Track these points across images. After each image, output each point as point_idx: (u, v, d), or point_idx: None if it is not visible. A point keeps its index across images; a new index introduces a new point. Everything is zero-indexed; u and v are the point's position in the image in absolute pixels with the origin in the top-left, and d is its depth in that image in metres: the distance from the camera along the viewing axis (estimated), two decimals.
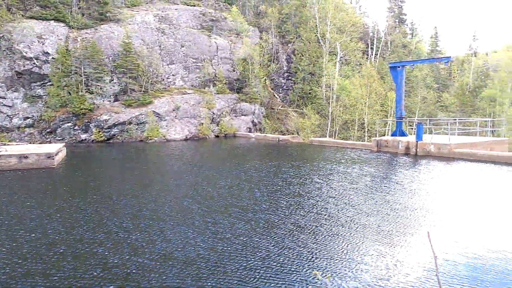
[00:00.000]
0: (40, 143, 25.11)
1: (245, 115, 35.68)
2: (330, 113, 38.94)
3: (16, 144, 20.87)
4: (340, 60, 44.80)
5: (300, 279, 5.41)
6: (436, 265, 2.40)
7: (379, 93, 38.66)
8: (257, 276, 5.50)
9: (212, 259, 6.13)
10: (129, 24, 32.66)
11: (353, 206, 9.28)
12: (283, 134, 34.61)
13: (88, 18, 31.81)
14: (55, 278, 5.51)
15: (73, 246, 6.76)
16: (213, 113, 33.44)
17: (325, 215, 8.55)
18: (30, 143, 25.07)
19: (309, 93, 42.45)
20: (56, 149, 16.82)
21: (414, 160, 16.90)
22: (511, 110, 40.74)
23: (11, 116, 26.75)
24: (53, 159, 15.91)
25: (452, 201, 9.85)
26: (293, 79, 43.85)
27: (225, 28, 39.55)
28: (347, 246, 6.63)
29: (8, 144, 20.16)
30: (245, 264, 5.93)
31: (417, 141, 18.63)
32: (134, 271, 5.73)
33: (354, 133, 37.72)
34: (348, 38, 46.07)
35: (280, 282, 5.30)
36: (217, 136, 32.79)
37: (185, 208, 9.33)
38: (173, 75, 34.17)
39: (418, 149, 18.50)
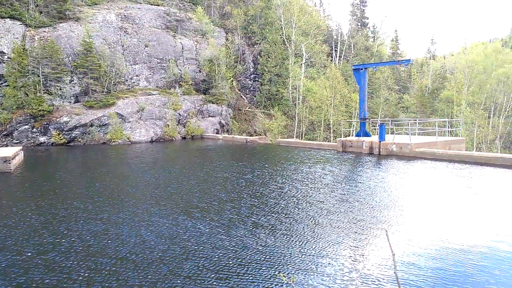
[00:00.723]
0: None
1: (212, 116, 35.49)
2: (296, 114, 39.45)
3: None
4: (306, 62, 45.48)
5: (262, 280, 5.41)
6: (394, 262, 2.48)
7: (343, 94, 39.57)
8: (217, 278, 5.47)
9: (171, 261, 6.04)
10: (90, 23, 31.71)
11: (314, 205, 9.43)
12: (250, 135, 34.71)
13: (46, 17, 30.60)
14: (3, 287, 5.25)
15: (24, 252, 6.48)
16: (180, 115, 33.03)
17: (285, 214, 8.64)
18: None
19: (276, 95, 42.80)
20: (13, 153, 16.05)
21: (377, 159, 17.38)
22: (468, 111, 42.81)
23: None
24: (10, 163, 15.19)
25: (410, 198, 10.21)
26: (259, 80, 44.06)
27: (190, 29, 39.20)
28: (306, 245, 6.71)
29: None
30: (205, 264, 5.88)
31: (380, 141, 19.15)
32: (90, 275, 5.56)
33: (320, 134, 38.37)
34: (312, 40, 46.90)
35: (242, 283, 5.29)
36: (184, 138, 32.43)
37: (144, 210, 9.15)
38: (137, 75, 33.46)
39: (381, 149, 19.04)
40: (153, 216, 8.60)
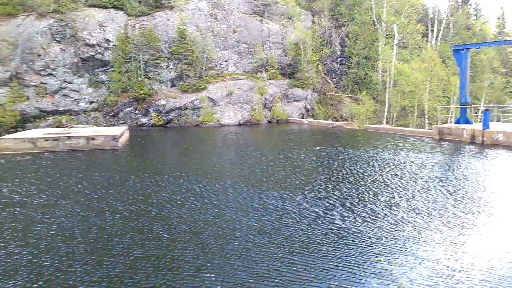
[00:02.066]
0: (105, 126, 26.59)
1: (297, 100, 35.31)
2: (386, 99, 37.45)
3: (83, 127, 22.23)
4: (398, 43, 42.71)
5: (352, 260, 5.32)
6: None
7: (440, 77, 36.44)
8: (295, 253, 5.48)
9: (247, 233, 6.31)
10: (183, 10, 33.25)
11: (396, 192, 8.97)
12: (336, 121, 33.90)
13: (145, 6, 32.77)
14: (116, 250, 5.85)
15: (117, 218, 7.28)
16: (266, 99, 33.42)
17: (362, 198, 8.44)
18: (95, 125, 26.61)
19: (364, 78, 41.03)
20: (120, 132, 17.73)
21: (479, 149, 15.84)
22: None
23: (78, 100, 28.55)
24: (118, 141, 16.78)
25: None
26: (347, 63, 42.55)
27: (276, 13, 39.08)
28: (387, 228, 6.57)
29: (77, 127, 21.53)
30: (282, 241, 5.95)
31: (483, 129, 17.42)
32: (172, 237, 5.99)
33: (414, 120, 36.01)
34: (406, 20, 43.71)
35: (328, 262, 5.24)
36: (269, 122, 32.85)
37: (226, 186, 9.65)
38: (225, 61, 34.49)
39: (484, 138, 17.30)
40: (233, 192, 9.09)
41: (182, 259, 5.38)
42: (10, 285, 4.69)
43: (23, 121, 26.56)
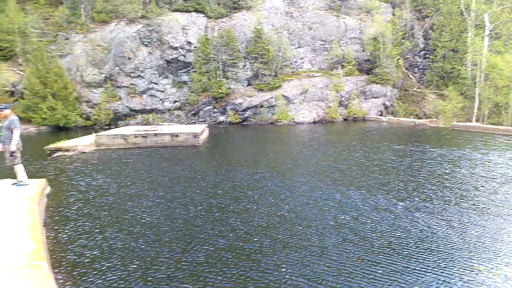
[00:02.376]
0: (186, 124, 28.21)
1: (375, 97, 33.96)
2: (477, 95, 34.33)
3: (168, 125, 23.79)
4: (489, 34, 38.86)
5: (447, 269, 5.01)
6: None
7: None
8: (370, 252, 5.26)
9: (321, 229, 6.20)
10: (259, 10, 33.80)
11: (484, 195, 8.10)
12: (419, 118, 31.96)
13: (223, 8, 33.94)
14: (199, 239, 6.17)
15: (199, 210, 7.67)
16: (341, 96, 32.68)
17: (446, 201, 7.91)
18: (178, 123, 28.35)
19: (451, 72, 38.03)
20: (201, 130, 18.68)
21: None
22: None
23: (163, 100, 30.65)
24: (198, 138, 17.70)
25: None
26: (431, 57, 39.78)
27: (354, 7, 37.91)
28: (476, 233, 6.12)
29: (162, 124, 23.13)
30: (361, 242, 5.77)
31: None
32: (248, 230, 6.13)
33: (508, 118, 32.55)
34: (498, 8, 39.58)
35: (421, 269, 5.01)
36: (345, 120, 32.09)
37: (301, 183, 9.66)
38: (301, 58, 34.37)
39: None
40: (308, 189, 9.11)
41: (260, 252, 5.55)
42: (106, 266, 5.25)
43: (116, 119, 29.29)
